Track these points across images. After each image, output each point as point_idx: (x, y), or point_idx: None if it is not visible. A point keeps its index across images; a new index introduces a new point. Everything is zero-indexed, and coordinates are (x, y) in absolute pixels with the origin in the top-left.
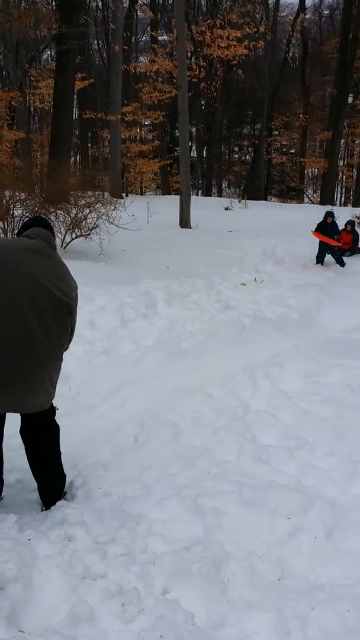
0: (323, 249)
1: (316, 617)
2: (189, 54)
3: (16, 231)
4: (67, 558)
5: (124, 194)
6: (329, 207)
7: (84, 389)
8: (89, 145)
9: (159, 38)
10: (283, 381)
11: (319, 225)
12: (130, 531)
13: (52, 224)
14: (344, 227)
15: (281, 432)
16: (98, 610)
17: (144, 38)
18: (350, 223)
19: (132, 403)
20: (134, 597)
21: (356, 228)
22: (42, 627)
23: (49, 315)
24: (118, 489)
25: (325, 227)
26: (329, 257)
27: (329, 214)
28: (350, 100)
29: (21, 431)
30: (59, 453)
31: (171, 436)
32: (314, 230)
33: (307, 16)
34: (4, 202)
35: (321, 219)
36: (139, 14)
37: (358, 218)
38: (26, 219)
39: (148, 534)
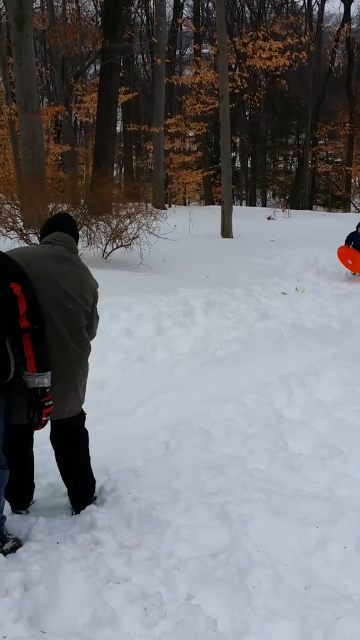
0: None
1: (341, 627)
2: (232, 66)
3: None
4: (92, 561)
5: (167, 205)
6: None
7: (118, 396)
8: (133, 157)
9: (203, 51)
10: (319, 390)
11: (349, 236)
12: (157, 536)
13: (93, 234)
14: None
15: (314, 441)
16: (120, 614)
17: (188, 51)
18: None
19: (165, 410)
20: (156, 601)
21: None
22: (64, 629)
23: (76, 322)
24: (147, 494)
25: (357, 239)
26: None
27: None
28: None
29: (51, 437)
30: (89, 458)
31: (202, 443)
32: (344, 244)
33: (353, 26)
34: (48, 214)
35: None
36: (182, 28)
37: None
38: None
39: (174, 540)
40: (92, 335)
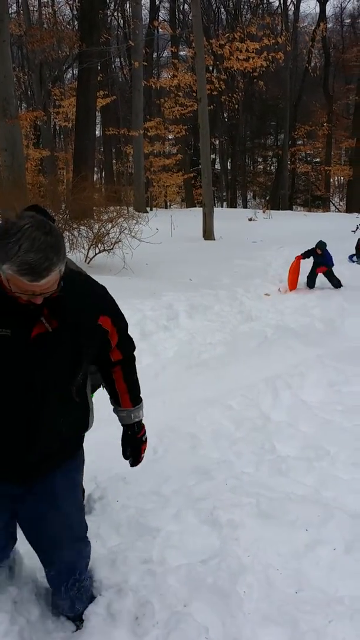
0: (313, 270)
1: (333, 630)
2: (210, 68)
3: None
4: None
5: (148, 208)
6: (356, 215)
7: (103, 403)
8: (113, 160)
9: (180, 53)
10: (304, 391)
11: (308, 252)
12: (146, 543)
13: (75, 239)
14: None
15: (301, 442)
16: (111, 623)
17: (165, 54)
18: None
19: (152, 416)
20: (148, 610)
21: None
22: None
23: None
24: (136, 501)
25: (315, 257)
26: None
27: (319, 245)
28: None
29: None
30: None
31: (190, 448)
32: (301, 255)
33: (329, 25)
34: None
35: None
36: (159, 30)
37: None
38: None
39: (164, 547)
40: None
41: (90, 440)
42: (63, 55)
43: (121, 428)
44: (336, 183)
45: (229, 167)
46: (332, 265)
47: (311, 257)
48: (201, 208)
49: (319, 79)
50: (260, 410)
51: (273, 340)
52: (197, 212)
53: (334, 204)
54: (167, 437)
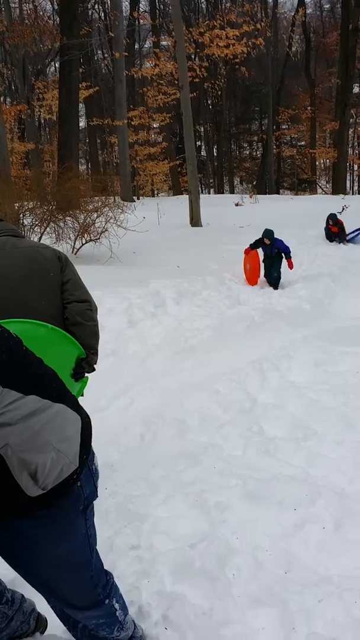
0: (268, 266)
1: (322, 610)
2: (191, 56)
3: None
4: None
5: (135, 197)
6: (341, 197)
7: (91, 391)
8: (99, 151)
9: (162, 42)
10: (292, 372)
11: (256, 242)
12: (135, 530)
13: (61, 230)
14: (326, 223)
15: (289, 423)
16: None
17: (147, 43)
18: (331, 217)
19: (139, 403)
20: (135, 597)
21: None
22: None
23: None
24: (124, 488)
25: (264, 248)
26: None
27: (266, 234)
28: (355, 89)
29: None
30: None
31: (177, 433)
32: (249, 247)
33: (308, 11)
34: (14, 211)
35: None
36: (139, 21)
37: None
38: (36, 227)
39: (153, 532)
40: None
41: None
42: (45, 49)
43: (108, 416)
44: (322, 166)
45: (214, 154)
46: (289, 252)
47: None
48: (187, 195)
49: (301, 64)
50: (247, 393)
51: (260, 323)
52: (184, 200)
53: (320, 187)
54: (154, 424)
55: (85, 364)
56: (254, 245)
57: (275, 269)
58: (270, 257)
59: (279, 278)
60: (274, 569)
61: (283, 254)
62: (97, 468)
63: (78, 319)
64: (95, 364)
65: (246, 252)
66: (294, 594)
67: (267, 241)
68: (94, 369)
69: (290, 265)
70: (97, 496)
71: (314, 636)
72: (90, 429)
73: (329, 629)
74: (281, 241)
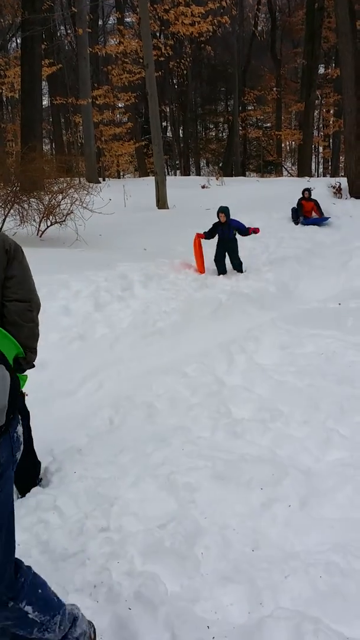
0: (220, 252)
1: (289, 585)
2: (156, 34)
3: None
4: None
5: (100, 179)
6: (307, 179)
7: (59, 375)
8: (63, 131)
9: (126, 20)
10: (259, 355)
11: (214, 225)
12: (104, 512)
13: (25, 212)
14: (301, 195)
15: (256, 405)
16: (72, 595)
17: (111, 20)
18: (308, 190)
19: (108, 386)
20: (105, 578)
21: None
22: None
23: None
24: (93, 472)
25: (221, 229)
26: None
27: (221, 209)
28: (321, 70)
29: None
30: (31, 439)
31: (146, 417)
32: (202, 234)
33: None
34: None
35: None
36: None
37: (334, 188)
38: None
39: (122, 514)
40: None
41: (45, 414)
42: (6, 23)
43: (77, 401)
44: (287, 148)
45: (180, 135)
46: (245, 229)
47: (215, 234)
48: (154, 177)
49: (267, 43)
50: (215, 376)
51: (227, 306)
52: (150, 182)
53: (286, 169)
54: (122, 407)
55: (23, 361)
56: (209, 234)
57: (234, 255)
58: (224, 241)
59: (241, 263)
60: (241, 547)
61: (239, 232)
62: (20, 439)
63: (17, 319)
64: (34, 361)
65: (198, 236)
66: (261, 571)
67: (222, 218)
68: (33, 366)
69: (257, 230)
70: (13, 469)
71: (280, 611)
72: (18, 387)
73: (295, 603)
74: (236, 220)
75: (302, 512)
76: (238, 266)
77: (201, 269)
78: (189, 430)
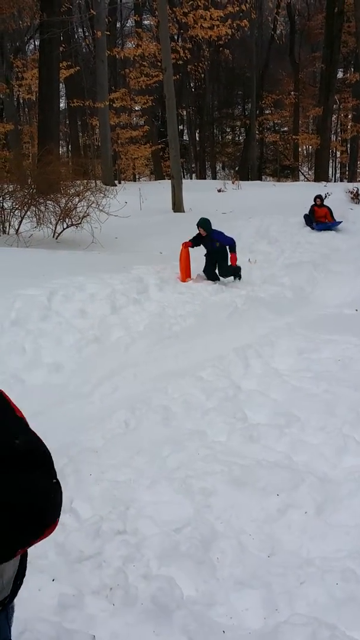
0: (208, 263)
1: (305, 591)
2: (174, 36)
3: (7, 223)
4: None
5: (116, 181)
6: (324, 184)
7: (75, 378)
8: (80, 133)
9: (144, 22)
10: (274, 360)
11: (195, 237)
12: (121, 515)
13: (42, 215)
14: (313, 202)
15: (272, 410)
16: (88, 597)
17: (129, 23)
18: (319, 197)
19: (123, 389)
20: (121, 581)
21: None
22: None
23: None
24: (109, 474)
25: (203, 241)
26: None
27: (200, 223)
28: (339, 74)
29: None
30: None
31: (162, 420)
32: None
33: None
34: None
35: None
36: None
37: (351, 193)
38: (16, 210)
39: (138, 517)
40: None
41: (61, 416)
42: (24, 25)
43: (92, 403)
44: (305, 152)
45: (197, 138)
46: (232, 243)
47: (198, 244)
48: (170, 180)
49: (285, 47)
50: (231, 380)
51: (243, 310)
52: (166, 185)
53: (302, 173)
54: (138, 410)
55: None
56: (194, 241)
57: (222, 267)
58: (211, 252)
59: (237, 270)
60: (257, 552)
61: (228, 248)
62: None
63: None
64: None
65: (184, 245)
66: (277, 577)
67: (201, 232)
68: None
69: (233, 260)
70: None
71: (297, 617)
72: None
73: (311, 610)
74: (220, 233)
75: (318, 518)
76: (226, 274)
77: (184, 277)
78: (204, 434)
